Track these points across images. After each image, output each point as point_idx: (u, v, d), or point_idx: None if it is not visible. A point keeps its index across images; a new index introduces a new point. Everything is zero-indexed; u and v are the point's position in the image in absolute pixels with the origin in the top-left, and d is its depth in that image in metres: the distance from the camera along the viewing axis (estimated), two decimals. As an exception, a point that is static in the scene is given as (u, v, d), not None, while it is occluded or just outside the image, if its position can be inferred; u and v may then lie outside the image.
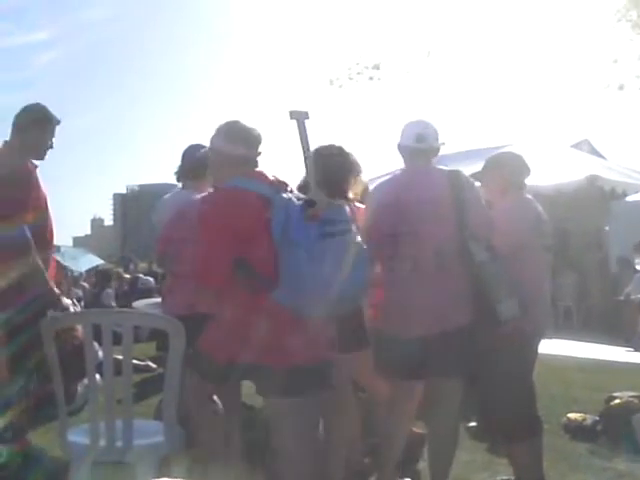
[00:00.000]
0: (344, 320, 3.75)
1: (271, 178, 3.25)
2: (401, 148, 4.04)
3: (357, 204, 4.45)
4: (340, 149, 4.08)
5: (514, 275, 3.77)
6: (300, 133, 3.23)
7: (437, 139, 4.01)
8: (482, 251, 3.71)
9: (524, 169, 4.29)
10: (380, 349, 3.92)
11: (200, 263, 3.15)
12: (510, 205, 4.12)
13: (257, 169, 3.29)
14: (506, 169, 4.25)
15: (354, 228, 3.29)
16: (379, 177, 5.23)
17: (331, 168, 3.96)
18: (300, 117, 3.26)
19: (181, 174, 4.94)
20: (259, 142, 3.34)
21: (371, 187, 4.47)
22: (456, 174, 3.86)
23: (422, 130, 3.98)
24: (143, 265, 22.84)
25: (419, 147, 3.95)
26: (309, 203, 3.09)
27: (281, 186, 3.24)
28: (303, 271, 2.97)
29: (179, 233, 4.09)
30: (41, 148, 4.30)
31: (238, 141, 3.27)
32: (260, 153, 3.34)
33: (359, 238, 3.25)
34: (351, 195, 4.11)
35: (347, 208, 3.42)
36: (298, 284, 2.97)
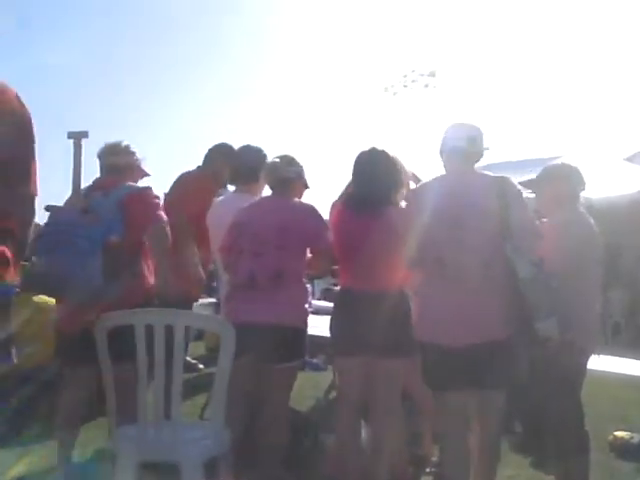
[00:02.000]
0: (391, 327, 3.77)
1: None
2: (449, 149, 3.87)
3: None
4: (381, 156, 4.07)
5: (566, 289, 3.72)
6: (75, 154, 3.80)
7: (480, 142, 3.87)
8: (526, 265, 3.57)
9: (580, 182, 4.23)
10: (422, 358, 3.85)
11: None
12: (565, 219, 4.06)
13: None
14: (562, 181, 4.19)
15: (79, 230, 3.78)
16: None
17: (376, 180, 3.97)
18: (77, 137, 3.85)
19: (234, 177, 4.97)
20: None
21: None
22: (503, 181, 3.72)
23: (474, 132, 3.86)
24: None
25: (471, 150, 3.80)
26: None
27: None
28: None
29: (233, 244, 4.15)
30: None
31: None
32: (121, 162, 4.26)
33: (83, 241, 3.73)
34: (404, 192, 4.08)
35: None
36: None
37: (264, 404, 3.96)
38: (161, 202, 4.23)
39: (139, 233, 4.02)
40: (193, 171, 5.83)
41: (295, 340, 3.99)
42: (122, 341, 3.37)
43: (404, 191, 4.11)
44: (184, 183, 5.60)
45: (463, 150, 3.81)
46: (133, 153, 4.41)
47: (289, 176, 4.21)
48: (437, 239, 3.66)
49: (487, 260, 3.60)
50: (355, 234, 4.00)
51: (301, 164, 4.31)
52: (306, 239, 4.04)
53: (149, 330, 3.32)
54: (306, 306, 4.14)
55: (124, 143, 4.38)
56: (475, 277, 3.59)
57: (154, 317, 3.32)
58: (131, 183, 4.20)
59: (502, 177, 3.77)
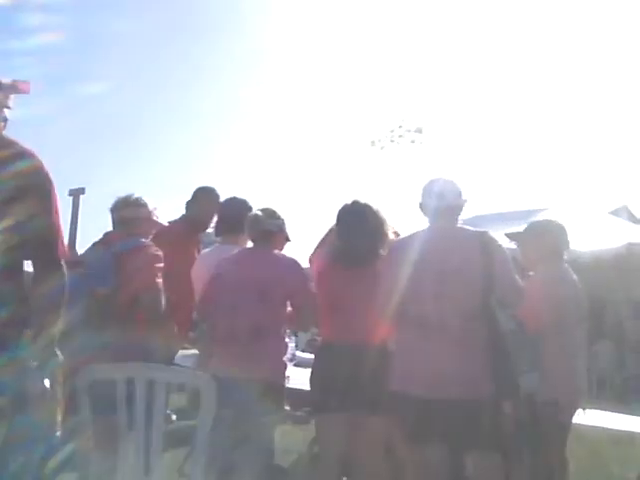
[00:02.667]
0: (373, 382, 3.72)
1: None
2: (423, 207, 3.87)
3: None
4: (366, 209, 4.06)
5: (550, 347, 3.71)
6: (73, 209, 4.06)
7: (459, 196, 3.83)
8: (509, 319, 3.59)
9: (564, 239, 4.26)
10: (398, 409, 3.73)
11: None
12: (548, 276, 4.08)
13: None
14: (546, 237, 4.22)
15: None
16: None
17: (363, 233, 3.97)
18: (76, 194, 4.07)
19: (221, 229, 4.98)
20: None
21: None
22: (483, 235, 3.71)
23: (442, 187, 3.80)
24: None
25: (451, 204, 3.77)
26: None
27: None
28: None
29: (213, 297, 4.15)
30: None
31: None
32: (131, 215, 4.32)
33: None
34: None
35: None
36: None
37: (243, 458, 3.91)
38: (161, 264, 4.20)
39: (136, 287, 3.99)
40: (177, 222, 5.80)
41: (274, 395, 3.96)
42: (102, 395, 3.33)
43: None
44: (167, 237, 5.58)
45: (433, 206, 3.79)
46: (144, 205, 4.45)
47: (270, 229, 4.23)
48: (419, 292, 3.61)
49: (469, 313, 3.56)
50: (342, 288, 3.99)
51: (282, 217, 4.34)
52: (287, 293, 4.04)
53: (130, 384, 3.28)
54: (285, 359, 4.13)
55: (134, 196, 4.43)
56: (456, 330, 3.53)
57: (135, 372, 3.29)
58: (137, 238, 4.25)
59: (482, 232, 3.77)
